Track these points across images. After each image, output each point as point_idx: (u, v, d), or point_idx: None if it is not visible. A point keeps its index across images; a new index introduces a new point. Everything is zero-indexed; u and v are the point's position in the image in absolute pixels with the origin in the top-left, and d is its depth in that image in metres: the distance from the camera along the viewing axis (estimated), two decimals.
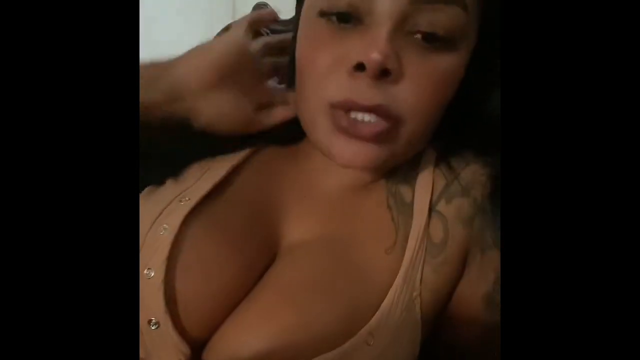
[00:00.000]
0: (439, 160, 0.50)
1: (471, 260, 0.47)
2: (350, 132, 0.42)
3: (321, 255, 0.46)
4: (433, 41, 0.41)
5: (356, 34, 0.41)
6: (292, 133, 0.51)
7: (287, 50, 0.52)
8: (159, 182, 0.49)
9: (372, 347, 0.41)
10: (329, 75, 0.43)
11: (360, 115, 0.42)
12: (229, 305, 0.43)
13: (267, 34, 0.82)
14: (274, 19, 0.54)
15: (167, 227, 0.43)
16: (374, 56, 0.39)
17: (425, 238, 0.46)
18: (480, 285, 0.46)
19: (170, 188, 0.48)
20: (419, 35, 0.41)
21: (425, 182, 0.48)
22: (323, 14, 0.43)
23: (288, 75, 0.52)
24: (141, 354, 0.41)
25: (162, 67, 0.47)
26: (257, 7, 0.82)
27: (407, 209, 0.48)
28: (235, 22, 0.51)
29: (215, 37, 0.50)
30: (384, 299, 0.43)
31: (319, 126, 0.45)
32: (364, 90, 0.41)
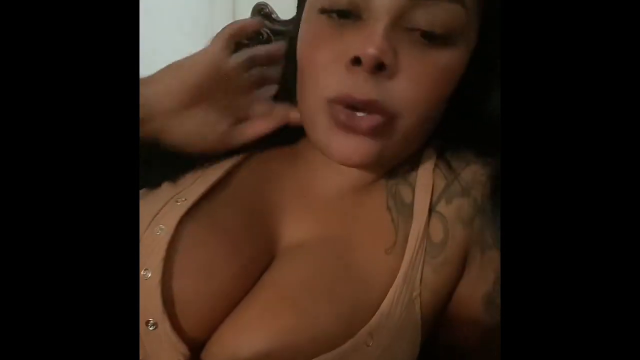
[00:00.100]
0: (439, 160, 0.50)
1: (471, 261, 0.47)
2: (348, 125, 0.42)
3: (320, 255, 0.45)
4: (431, 37, 0.41)
5: (355, 29, 0.41)
6: (290, 134, 0.51)
7: (277, 60, 0.52)
8: (155, 184, 0.49)
9: (372, 347, 0.41)
10: (327, 71, 0.43)
11: (358, 113, 0.42)
12: (227, 306, 0.43)
13: (267, 34, 0.82)
14: (256, 29, 0.53)
15: (163, 227, 0.43)
16: (369, 50, 0.40)
17: (425, 238, 0.46)
18: (480, 285, 0.46)
19: (166, 189, 0.48)
20: (417, 31, 0.41)
21: (426, 183, 0.48)
22: (324, 11, 0.43)
23: (280, 84, 0.52)
24: (140, 355, 0.41)
25: None
26: (257, 7, 0.82)
27: (407, 209, 0.48)
28: (214, 36, 0.50)
29: (191, 55, 0.49)
30: (384, 299, 0.43)
31: (318, 124, 0.45)
32: (360, 85, 0.41)
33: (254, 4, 0.82)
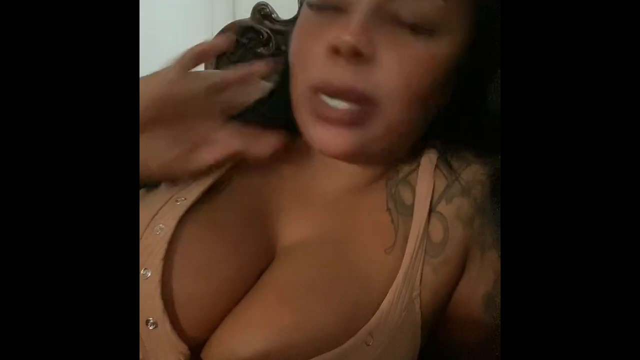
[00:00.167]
0: (440, 161, 0.50)
1: (471, 261, 0.47)
2: (323, 116, 0.43)
3: (319, 255, 0.46)
4: (411, 27, 0.42)
5: (337, 20, 0.42)
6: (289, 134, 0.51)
7: (259, 78, 0.50)
8: (154, 184, 0.49)
9: (372, 347, 0.41)
10: (310, 61, 0.43)
11: (336, 102, 0.42)
12: (227, 305, 0.43)
13: (268, 33, 0.82)
14: (221, 51, 0.50)
15: (163, 227, 0.43)
16: (345, 38, 0.40)
17: (425, 238, 0.46)
18: (480, 285, 0.46)
19: (165, 188, 0.48)
20: (397, 21, 0.41)
21: (426, 184, 0.48)
22: (311, 5, 0.44)
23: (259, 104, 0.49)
24: (140, 355, 0.41)
25: None
26: (257, 7, 0.82)
27: (406, 210, 0.48)
28: (173, 60, 0.46)
29: (145, 78, 0.46)
30: (384, 299, 0.43)
31: (302, 115, 0.45)
32: (339, 72, 0.41)
33: (254, 4, 0.83)
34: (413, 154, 0.50)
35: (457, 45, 0.44)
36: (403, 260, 0.45)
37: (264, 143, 0.46)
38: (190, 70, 0.46)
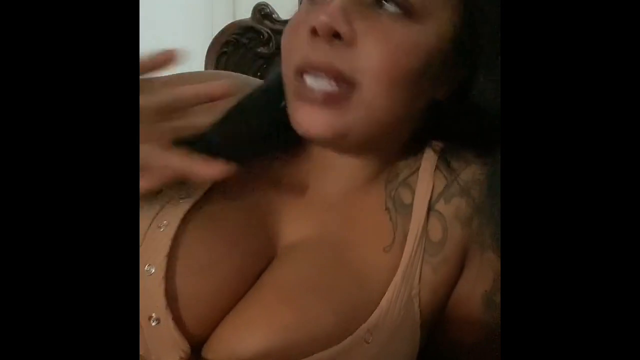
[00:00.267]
0: (440, 162, 0.50)
1: (470, 260, 0.47)
2: (305, 97, 0.43)
3: (319, 255, 0.46)
4: (393, 13, 0.42)
5: (322, 7, 0.43)
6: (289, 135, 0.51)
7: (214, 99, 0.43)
8: None
9: (371, 344, 0.42)
10: (295, 46, 0.44)
11: (315, 81, 0.43)
12: (228, 304, 0.43)
13: (268, 33, 0.82)
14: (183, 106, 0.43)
15: (167, 224, 0.44)
16: (321, 18, 0.41)
17: (424, 237, 0.46)
18: (480, 285, 0.46)
19: (169, 186, 0.48)
20: (379, 7, 0.42)
21: (426, 184, 0.48)
22: None
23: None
24: (140, 351, 0.41)
25: None
26: (258, 7, 0.83)
27: (405, 209, 0.48)
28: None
29: None
30: (383, 297, 0.43)
31: (289, 101, 0.45)
32: (319, 50, 0.42)
33: (254, 4, 0.83)
34: (413, 156, 0.50)
35: (441, 35, 0.44)
36: (402, 259, 0.45)
37: (208, 171, 0.42)
38: (146, 78, 0.41)
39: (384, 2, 0.42)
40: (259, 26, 0.82)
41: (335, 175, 0.50)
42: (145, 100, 0.40)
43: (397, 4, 0.42)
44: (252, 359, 0.40)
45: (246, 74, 0.70)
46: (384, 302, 0.43)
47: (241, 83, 0.55)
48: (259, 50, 0.82)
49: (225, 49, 0.81)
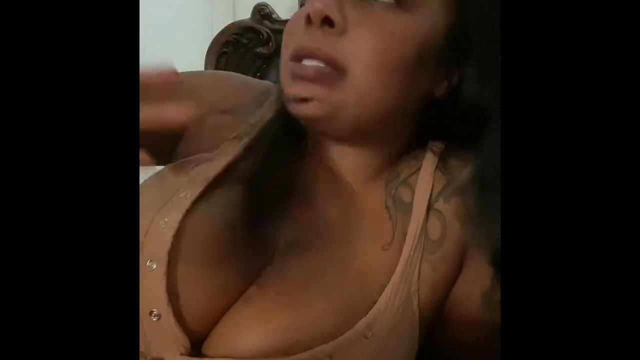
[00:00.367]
0: (440, 162, 0.50)
1: (469, 259, 0.47)
2: (297, 75, 0.45)
3: (319, 253, 0.46)
4: (386, 3, 0.44)
5: None
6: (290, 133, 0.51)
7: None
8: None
9: (370, 340, 0.42)
10: (292, 36, 0.46)
11: (306, 61, 0.45)
12: (228, 301, 0.43)
13: (268, 33, 0.82)
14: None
15: (168, 220, 0.44)
16: (315, 5, 0.43)
17: (423, 235, 0.46)
18: (479, 283, 0.46)
19: (170, 180, 0.48)
20: None
21: (426, 183, 0.49)
22: None
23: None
24: (140, 347, 0.41)
25: None
26: (258, 7, 0.83)
27: (405, 207, 0.48)
28: None
29: None
30: (382, 294, 0.43)
31: (283, 82, 0.47)
32: (312, 36, 0.44)
33: (254, 4, 0.83)
34: (414, 158, 0.51)
35: (433, 26, 0.45)
36: (401, 256, 0.45)
37: (179, 115, 0.37)
38: None
39: None
40: (258, 26, 0.82)
41: (335, 174, 0.50)
42: None
43: None
44: (252, 356, 0.40)
45: (246, 74, 0.70)
46: (382, 298, 0.43)
47: (240, 84, 0.57)
48: (258, 50, 0.82)
49: (225, 49, 0.81)
